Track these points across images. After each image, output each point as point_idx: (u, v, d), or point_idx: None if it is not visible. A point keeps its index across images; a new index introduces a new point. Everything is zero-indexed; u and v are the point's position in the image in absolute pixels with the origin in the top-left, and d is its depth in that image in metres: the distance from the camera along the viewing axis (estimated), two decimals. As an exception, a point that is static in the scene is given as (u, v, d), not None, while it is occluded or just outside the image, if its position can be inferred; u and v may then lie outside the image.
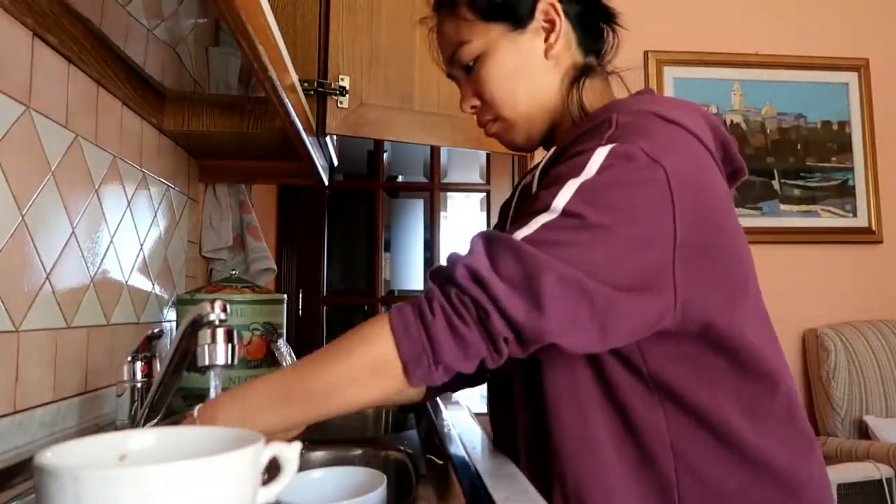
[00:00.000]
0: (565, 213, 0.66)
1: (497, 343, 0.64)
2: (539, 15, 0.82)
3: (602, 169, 0.67)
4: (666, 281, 0.67)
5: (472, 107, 0.86)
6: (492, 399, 0.92)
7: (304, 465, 0.80)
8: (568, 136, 0.78)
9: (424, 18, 0.91)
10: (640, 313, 0.66)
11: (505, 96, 0.83)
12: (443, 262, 0.70)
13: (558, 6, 0.82)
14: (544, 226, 0.66)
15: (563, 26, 0.82)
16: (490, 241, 0.66)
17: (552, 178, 0.71)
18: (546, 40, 0.82)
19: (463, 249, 0.68)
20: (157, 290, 1.38)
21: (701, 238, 0.69)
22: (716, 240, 0.71)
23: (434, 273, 0.69)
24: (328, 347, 0.67)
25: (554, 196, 0.67)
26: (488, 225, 2.84)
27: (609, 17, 0.87)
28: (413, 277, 3.52)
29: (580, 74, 0.83)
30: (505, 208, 0.98)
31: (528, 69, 0.82)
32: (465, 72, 0.85)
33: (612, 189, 0.67)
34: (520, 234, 0.66)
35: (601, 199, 0.66)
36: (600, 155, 0.68)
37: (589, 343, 0.66)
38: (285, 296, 1.52)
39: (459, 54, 0.83)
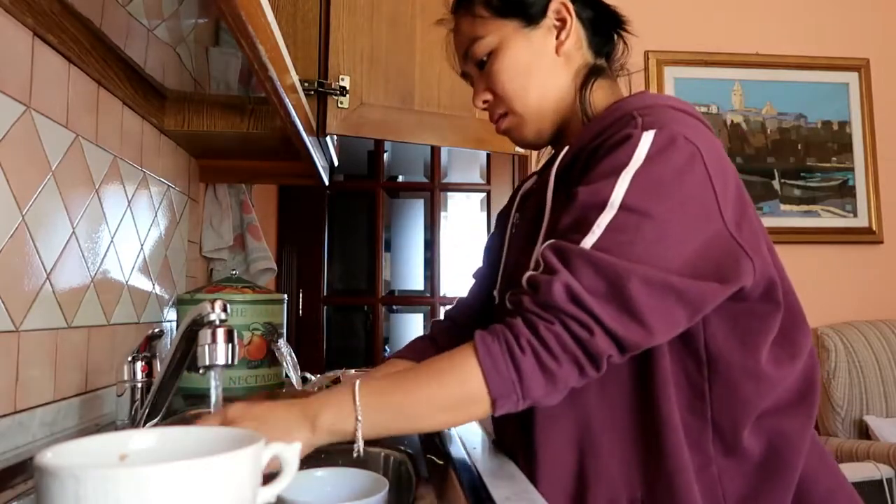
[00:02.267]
0: (625, 207, 0.67)
1: (599, 362, 0.66)
2: (551, 13, 0.84)
3: (651, 156, 0.69)
4: (735, 250, 0.70)
5: (485, 101, 0.88)
6: None
7: (305, 465, 0.80)
8: (583, 135, 0.79)
9: (442, 20, 0.94)
10: (723, 292, 0.69)
11: (517, 90, 0.84)
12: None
13: (570, 6, 0.84)
14: (609, 227, 0.67)
15: (575, 26, 0.85)
16: (564, 256, 0.67)
17: (599, 172, 0.71)
18: (557, 38, 0.84)
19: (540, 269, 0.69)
20: (158, 290, 1.38)
21: (737, 210, 0.73)
22: (746, 211, 0.75)
23: (517, 301, 0.69)
24: (420, 372, 0.70)
25: (610, 189, 0.68)
26: (488, 225, 2.84)
27: (618, 22, 0.89)
28: (413, 277, 3.52)
29: (591, 75, 0.85)
30: (503, 216, 0.98)
31: (540, 65, 0.84)
32: (479, 67, 0.87)
33: (664, 175, 0.69)
34: (588, 242, 0.67)
35: (656, 188, 0.68)
36: (646, 141, 0.70)
37: (678, 331, 0.70)
38: (285, 296, 1.52)
39: (474, 50, 0.86)
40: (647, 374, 0.74)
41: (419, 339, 1.06)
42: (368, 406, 0.66)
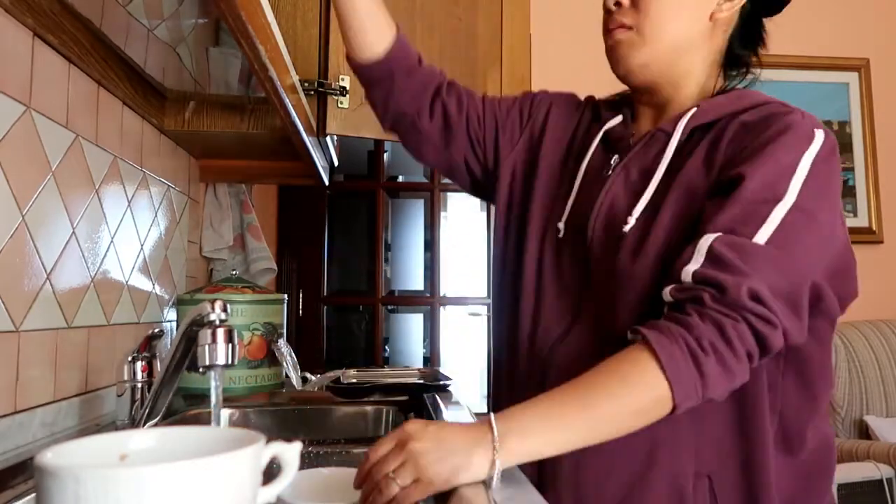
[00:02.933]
0: (797, 206, 0.70)
1: (766, 356, 0.68)
2: None
3: (822, 157, 0.72)
4: (850, 261, 0.77)
5: (617, 3, 0.83)
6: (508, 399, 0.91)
7: (305, 464, 0.80)
8: (723, 104, 0.80)
9: None
10: (847, 303, 0.78)
11: (661, 14, 0.81)
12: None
13: None
14: (782, 224, 0.69)
15: (737, 7, 0.84)
16: (744, 253, 0.67)
17: (771, 162, 0.71)
18: (719, 4, 0.83)
19: (693, 262, 0.69)
20: (158, 290, 1.38)
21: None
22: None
23: (696, 298, 0.67)
24: (596, 380, 0.66)
25: (786, 184, 0.70)
26: (488, 225, 2.83)
27: (760, 40, 0.91)
28: (413, 277, 3.52)
29: (730, 63, 0.87)
30: (566, 135, 0.94)
31: (693, 13, 0.83)
32: None
33: (830, 181, 0.73)
34: (762, 237, 0.68)
35: (823, 191, 0.72)
36: (818, 140, 0.73)
37: None
38: (285, 296, 1.52)
39: None
40: None
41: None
42: (555, 429, 0.64)
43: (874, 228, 2.71)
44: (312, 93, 1.40)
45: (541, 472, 0.79)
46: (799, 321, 0.68)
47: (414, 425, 0.63)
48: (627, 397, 0.65)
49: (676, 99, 0.86)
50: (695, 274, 0.68)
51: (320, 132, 1.44)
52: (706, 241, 0.69)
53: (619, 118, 0.90)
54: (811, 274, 0.70)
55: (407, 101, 0.95)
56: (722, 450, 0.76)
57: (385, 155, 3.00)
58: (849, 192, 2.73)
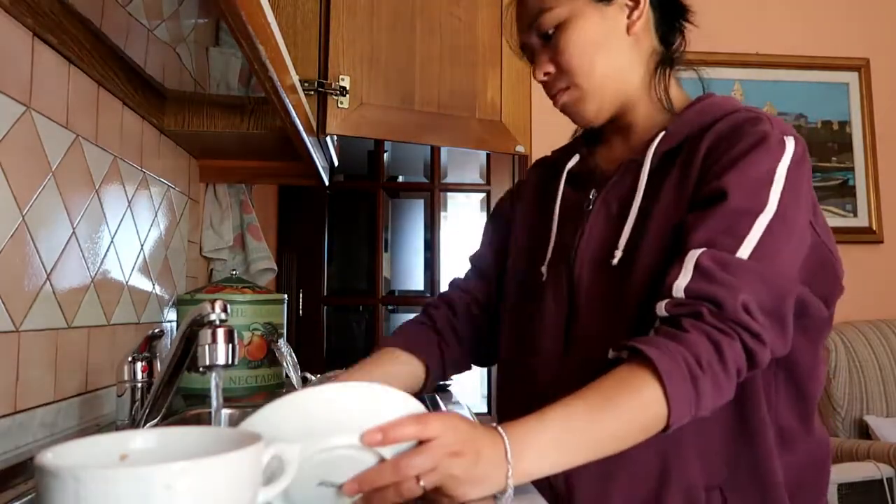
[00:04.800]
0: (778, 216, 0.70)
1: (752, 371, 0.69)
2: None
3: (795, 163, 0.73)
4: (831, 261, 0.80)
5: (546, 73, 0.86)
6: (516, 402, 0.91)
7: None
8: (684, 122, 0.81)
9: None
10: (831, 308, 0.80)
11: (583, 64, 0.83)
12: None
13: None
14: (764, 235, 0.69)
15: (646, 8, 0.84)
16: (731, 268, 0.68)
17: (747, 174, 0.72)
18: (629, 17, 0.84)
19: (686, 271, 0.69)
20: (158, 290, 1.38)
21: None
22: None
23: (694, 313, 0.67)
24: (601, 400, 0.66)
25: (766, 196, 0.71)
26: (488, 225, 2.83)
27: (684, 11, 0.89)
28: (413, 277, 3.52)
29: (663, 62, 0.86)
30: (536, 193, 0.97)
31: (610, 42, 0.84)
32: (544, 39, 0.85)
33: (802, 188, 0.74)
34: (745, 251, 0.69)
35: (797, 199, 0.73)
36: (790, 147, 0.74)
37: None
38: (286, 296, 1.52)
39: (542, 20, 0.84)
40: None
41: (413, 323, 0.99)
42: (566, 452, 0.64)
43: (874, 228, 2.70)
44: (312, 93, 1.40)
45: (556, 495, 0.79)
46: (783, 336, 0.70)
47: (455, 433, 0.60)
48: (631, 415, 0.66)
49: (637, 117, 0.87)
50: (687, 289, 0.68)
51: (320, 132, 1.44)
52: (692, 256, 0.69)
53: (576, 157, 0.92)
54: (795, 284, 0.71)
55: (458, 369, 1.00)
56: (729, 459, 0.76)
57: (385, 155, 3.00)
58: (849, 192, 2.73)
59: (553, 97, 0.88)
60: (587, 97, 0.84)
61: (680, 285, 0.69)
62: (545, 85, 0.88)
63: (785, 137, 0.75)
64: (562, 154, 0.96)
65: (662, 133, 0.81)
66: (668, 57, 0.87)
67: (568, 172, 0.91)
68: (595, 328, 0.80)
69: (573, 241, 0.84)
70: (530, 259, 0.91)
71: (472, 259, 1.05)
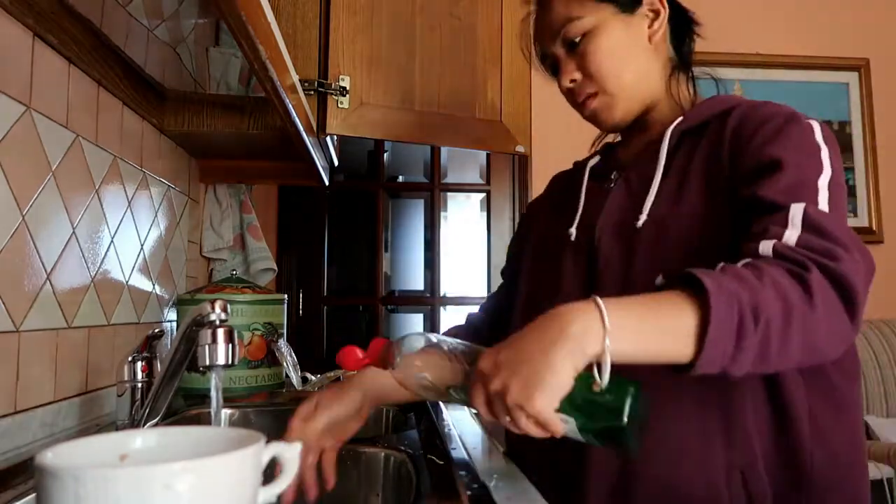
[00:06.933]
0: (835, 180, 0.73)
1: (851, 339, 0.72)
2: (646, 4, 0.89)
3: (827, 135, 0.77)
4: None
5: (572, 80, 0.89)
6: None
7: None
8: (702, 110, 0.86)
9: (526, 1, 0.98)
10: None
11: (612, 70, 0.87)
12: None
13: None
14: (831, 195, 0.71)
15: (665, 19, 0.90)
16: (837, 227, 0.68)
17: (791, 146, 0.74)
18: (650, 27, 0.89)
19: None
20: (158, 290, 1.38)
21: None
22: None
23: (805, 259, 0.64)
24: (645, 305, 0.63)
25: (818, 155, 0.74)
26: (488, 225, 2.83)
27: (693, 23, 0.96)
28: (413, 277, 3.52)
29: (681, 67, 0.93)
30: (558, 194, 1.02)
31: (635, 50, 0.89)
32: (570, 48, 0.89)
33: (838, 155, 0.77)
34: (823, 205, 0.70)
35: (841, 165, 0.76)
36: (815, 123, 0.78)
37: None
38: (286, 296, 1.52)
39: (568, 29, 0.88)
40: None
41: (460, 328, 1.08)
42: (647, 340, 0.60)
43: (874, 228, 2.70)
44: (312, 93, 1.40)
45: (574, 465, 0.78)
46: (861, 313, 0.68)
47: (485, 359, 0.60)
48: (672, 323, 0.61)
49: (656, 115, 0.91)
50: (799, 239, 0.65)
51: (320, 132, 1.44)
52: (798, 208, 0.67)
53: (597, 157, 0.99)
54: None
55: None
56: (759, 442, 0.75)
57: (385, 155, 3.00)
58: (849, 192, 2.72)
59: (581, 104, 0.91)
60: (616, 102, 0.88)
61: (791, 237, 0.66)
62: (571, 92, 0.91)
63: (812, 122, 0.78)
64: (583, 163, 1.02)
65: (681, 117, 0.86)
66: (683, 62, 0.94)
67: (590, 168, 0.97)
68: (614, 292, 0.78)
69: (597, 213, 0.88)
70: (556, 229, 0.95)
71: (503, 272, 1.12)
